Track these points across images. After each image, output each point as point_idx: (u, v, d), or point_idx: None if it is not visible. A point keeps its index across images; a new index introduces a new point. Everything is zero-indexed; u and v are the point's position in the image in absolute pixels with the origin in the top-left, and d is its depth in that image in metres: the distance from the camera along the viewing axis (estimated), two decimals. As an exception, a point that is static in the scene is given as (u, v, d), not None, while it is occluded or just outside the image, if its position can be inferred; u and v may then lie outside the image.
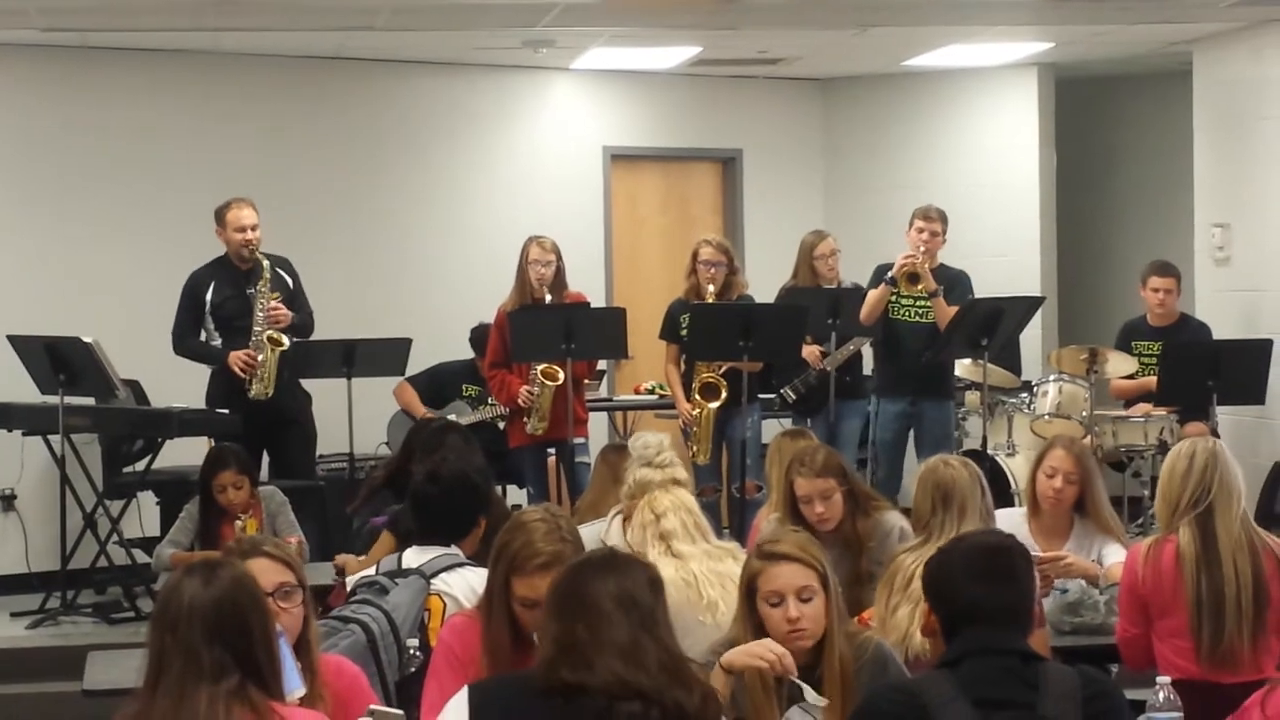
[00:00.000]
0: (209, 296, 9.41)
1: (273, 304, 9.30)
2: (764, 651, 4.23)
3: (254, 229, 9.32)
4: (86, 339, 9.10)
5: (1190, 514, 5.41)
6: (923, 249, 9.60)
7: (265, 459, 9.33)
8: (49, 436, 9.43)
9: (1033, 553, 6.09)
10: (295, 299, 9.52)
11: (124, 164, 10.87)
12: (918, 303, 9.70)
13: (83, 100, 10.84)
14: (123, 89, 10.93)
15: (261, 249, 9.34)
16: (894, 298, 9.69)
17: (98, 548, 9.45)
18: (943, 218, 9.74)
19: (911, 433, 9.89)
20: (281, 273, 9.46)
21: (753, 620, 4.41)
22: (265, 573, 4.03)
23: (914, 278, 9.54)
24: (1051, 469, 6.34)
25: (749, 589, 4.44)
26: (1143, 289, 10.18)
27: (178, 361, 9.53)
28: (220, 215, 9.38)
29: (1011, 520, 6.32)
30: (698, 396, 9.46)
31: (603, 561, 3.74)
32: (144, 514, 9.68)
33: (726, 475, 9.82)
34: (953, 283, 9.70)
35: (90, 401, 9.48)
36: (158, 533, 8.85)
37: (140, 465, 9.75)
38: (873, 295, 9.69)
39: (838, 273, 10.19)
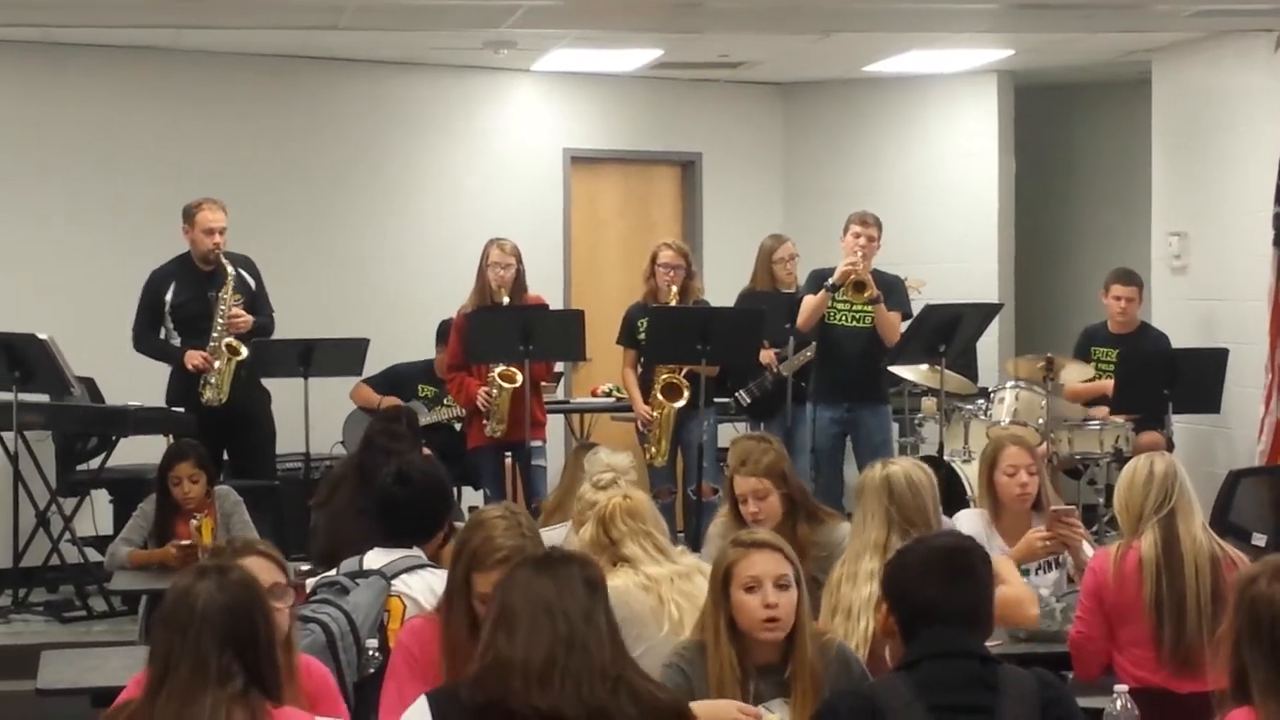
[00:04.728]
0: (169, 297, 9.37)
1: (234, 311, 9.25)
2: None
3: (221, 232, 9.27)
4: (41, 335, 9.04)
5: (1154, 518, 5.40)
6: (859, 254, 9.53)
7: (225, 458, 9.27)
8: (2, 433, 9.34)
9: (1054, 507, 6.23)
10: (257, 300, 9.48)
11: (81, 160, 10.79)
12: (854, 308, 9.58)
13: (41, 95, 10.76)
14: (82, 85, 10.86)
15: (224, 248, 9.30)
16: (831, 304, 9.60)
17: (50, 546, 9.39)
18: (878, 223, 9.61)
19: (849, 439, 9.85)
20: (244, 274, 9.41)
21: (725, 612, 4.38)
22: (261, 572, 4.01)
23: (860, 285, 9.49)
24: (1012, 467, 6.31)
25: (724, 578, 4.40)
26: (1105, 296, 10.18)
27: (133, 359, 9.47)
28: (190, 214, 9.31)
29: (974, 522, 6.33)
30: (660, 396, 9.45)
31: (535, 565, 3.66)
32: (97, 512, 9.61)
33: (682, 478, 9.82)
34: (890, 288, 9.61)
35: (45, 398, 9.41)
36: (111, 531, 8.78)
37: (94, 463, 9.68)
38: (811, 301, 9.58)
39: (796, 277, 10.17)
